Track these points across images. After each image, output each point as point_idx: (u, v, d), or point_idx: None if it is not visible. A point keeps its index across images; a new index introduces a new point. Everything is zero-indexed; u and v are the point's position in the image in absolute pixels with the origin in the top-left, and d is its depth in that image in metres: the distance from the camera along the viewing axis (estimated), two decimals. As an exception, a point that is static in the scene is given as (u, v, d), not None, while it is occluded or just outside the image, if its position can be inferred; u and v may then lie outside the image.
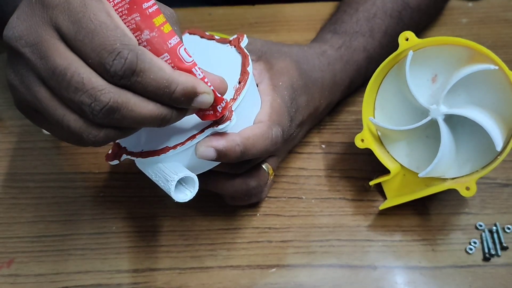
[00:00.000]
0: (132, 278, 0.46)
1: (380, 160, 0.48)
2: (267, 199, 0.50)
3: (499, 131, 0.43)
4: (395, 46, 0.46)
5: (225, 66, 0.43)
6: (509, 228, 0.47)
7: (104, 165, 0.54)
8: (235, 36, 0.46)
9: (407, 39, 0.45)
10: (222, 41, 0.46)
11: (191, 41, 0.48)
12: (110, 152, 0.41)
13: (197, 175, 0.39)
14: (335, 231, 0.48)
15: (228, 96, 0.40)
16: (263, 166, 0.45)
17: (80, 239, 0.48)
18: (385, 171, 0.49)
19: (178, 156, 0.39)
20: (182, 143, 0.38)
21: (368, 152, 0.48)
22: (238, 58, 0.43)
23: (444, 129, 0.44)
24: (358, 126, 0.54)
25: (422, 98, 0.45)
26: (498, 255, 0.46)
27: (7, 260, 0.47)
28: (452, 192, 0.49)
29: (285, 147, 0.50)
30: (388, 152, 0.49)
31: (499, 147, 0.42)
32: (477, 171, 0.45)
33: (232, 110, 0.39)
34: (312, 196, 0.51)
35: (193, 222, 0.49)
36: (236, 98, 0.40)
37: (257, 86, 0.45)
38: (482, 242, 0.47)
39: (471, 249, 0.46)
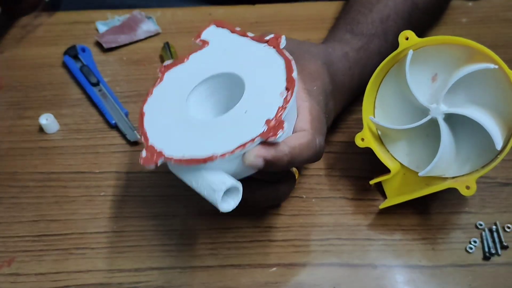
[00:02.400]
0: (133, 277, 0.46)
1: (380, 159, 0.48)
2: (267, 198, 0.51)
3: (499, 130, 0.43)
4: None
5: (268, 70, 0.42)
6: (509, 227, 0.48)
7: (105, 164, 0.54)
8: (272, 35, 0.44)
9: (407, 38, 0.45)
10: (258, 39, 0.44)
11: (223, 36, 0.46)
12: (145, 155, 0.39)
13: None
14: (336, 230, 0.48)
15: (276, 103, 0.39)
16: (291, 170, 0.45)
17: (80, 238, 0.48)
18: (385, 170, 0.49)
19: (224, 164, 0.37)
20: (231, 152, 0.37)
21: (368, 151, 0.48)
22: (281, 61, 0.42)
23: (444, 128, 0.44)
24: (358, 125, 0.54)
25: (422, 97, 0.45)
26: (498, 254, 0.46)
27: (7, 259, 0.47)
28: (452, 191, 0.49)
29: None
30: (388, 151, 0.49)
31: (499, 146, 0.42)
32: (477, 170, 0.45)
33: (283, 120, 0.38)
34: (312, 195, 0.51)
35: (194, 221, 0.49)
36: (286, 107, 0.38)
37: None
38: (482, 241, 0.47)
39: (471, 248, 0.47)
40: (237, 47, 0.45)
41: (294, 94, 0.39)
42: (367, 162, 0.52)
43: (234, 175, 0.38)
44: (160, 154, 0.38)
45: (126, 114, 0.58)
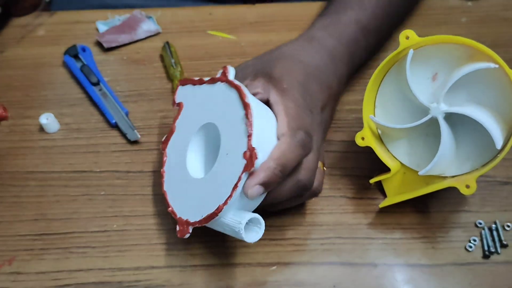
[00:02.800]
0: (133, 276, 0.46)
1: (381, 158, 0.48)
2: (267, 197, 0.51)
3: (499, 129, 0.43)
4: (393, 16, 0.46)
5: (225, 107, 0.44)
6: (508, 226, 0.48)
7: (105, 164, 0.54)
8: (221, 71, 0.47)
9: (407, 38, 0.46)
10: (212, 81, 0.47)
11: (189, 92, 0.49)
12: (179, 229, 0.44)
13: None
14: (336, 229, 0.48)
15: (245, 133, 0.42)
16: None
17: (81, 237, 0.49)
18: (385, 169, 0.49)
19: (233, 205, 0.41)
20: (230, 196, 0.41)
21: (369, 150, 0.48)
22: (233, 93, 0.44)
23: (444, 127, 0.44)
24: (358, 124, 0.54)
25: (422, 96, 0.45)
26: (497, 253, 0.46)
27: (8, 258, 0.47)
28: (452, 190, 0.50)
29: (320, 134, 0.48)
30: (388, 150, 0.49)
31: (499, 145, 0.42)
32: (477, 169, 0.45)
33: (254, 148, 0.41)
34: (312, 194, 0.51)
35: (194, 220, 0.49)
36: (251, 133, 0.41)
37: (268, 100, 0.45)
38: (481, 240, 0.47)
39: (471, 246, 0.47)
40: (202, 97, 0.48)
41: (253, 116, 0.42)
42: (367, 161, 0.52)
43: (250, 208, 0.43)
44: (188, 223, 0.43)
45: (126, 114, 0.58)
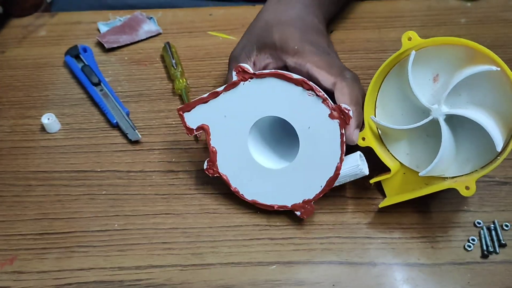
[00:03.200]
0: (134, 275, 0.46)
1: (381, 158, 0.48)
2: (268, 197, 0.51)
3: (499, 131, 0.43)
4: None
5: (273, 96, 0.47)
6: (507, 226, 0.48)
7: (106, 163, 0.54)
8: (234, 73, 0.47)
9: (409, 39, 0.46)
10: (231, 86, 0.47)
11: (202, 114, 0.49)
12: (303, 211, 0.48)
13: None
14: (335, 229, 0.49)
15: (313, 104, 0.45)
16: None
17: (82, 237, 0.49)
18: (385, 169, 0.49)
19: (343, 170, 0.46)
20: (342, 153, 0.45)
21: (369, 151, 0.48)
22: (273, 81, 0.46)
23: (445, 129, 0.44)
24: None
25: (423, 97, 0.45)
26: (496, 252, 0.46)
27: (10, 257, 0.48)
28: (451, 190, 0.50)
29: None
30: (388, 151, 0.50)
31: (499, 147, 0.42)
32: (476, 170, 0.45)
33: (339, 104, 0.45)
34: (312, 194, 0.51)
35: (195, 219, 0.50)
36: (324, 96, 0.45)
37: (286, 65, 0.50)
38: (480, 239, 0.47)
39: (469, 246, 0.47)
40: (231, 103, 0.48)
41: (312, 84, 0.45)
42: (368, 161, 0.52)
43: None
44: (307, 201, 0.48)
45: (127, 114, 0.58)
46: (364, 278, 0.45)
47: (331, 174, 0.46)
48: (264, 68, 0.52)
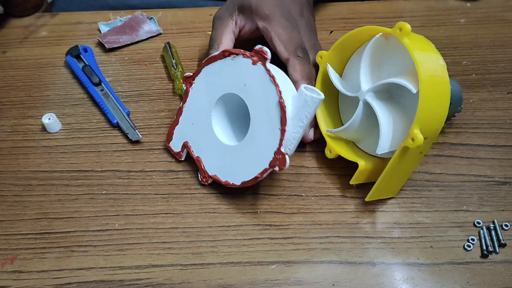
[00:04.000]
0: (134, 275, 0.46)
1: (351, 159, 0.50)
2: (267, 197, 0.51)
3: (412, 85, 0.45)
4: None
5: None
6: (507, 225, 0.48)
7: (107, 163, 0.54)
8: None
9: (321, 57, 0.52)
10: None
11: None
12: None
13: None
14: (335, 228, 0.49)
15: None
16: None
17: (83, 236, 0.49)
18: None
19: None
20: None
21: (341, 158, 0.49)
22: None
23: (376, 106, 0.47)
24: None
25: (343, 88, 0.50)
26: (496, 252, 0.47)
27: (10, 257, 0.48)
28: (451, 190, 0.50)
29: (309, 35, 0.57)
30: (360, 150, 0.52)
31: (414, 90, 0.44)
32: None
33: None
34: (312, 194, 0.51)
35: (194, 219, 0.50)
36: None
37: (257, 28, 0.55)
38: (480, 239, 0.47)
39: (469, 246, 0.47)
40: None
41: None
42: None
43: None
44: (279, 158, 0.46)
45: (128, 114, 0.58)
46: (364, 278, 0.46)
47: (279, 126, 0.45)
48: (243, 28, 0.56)
